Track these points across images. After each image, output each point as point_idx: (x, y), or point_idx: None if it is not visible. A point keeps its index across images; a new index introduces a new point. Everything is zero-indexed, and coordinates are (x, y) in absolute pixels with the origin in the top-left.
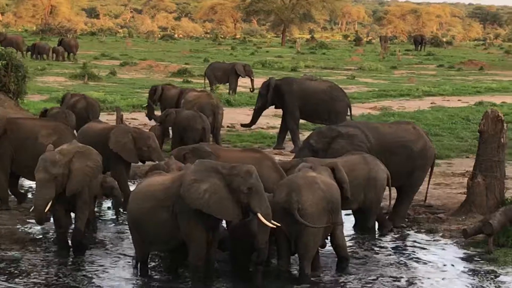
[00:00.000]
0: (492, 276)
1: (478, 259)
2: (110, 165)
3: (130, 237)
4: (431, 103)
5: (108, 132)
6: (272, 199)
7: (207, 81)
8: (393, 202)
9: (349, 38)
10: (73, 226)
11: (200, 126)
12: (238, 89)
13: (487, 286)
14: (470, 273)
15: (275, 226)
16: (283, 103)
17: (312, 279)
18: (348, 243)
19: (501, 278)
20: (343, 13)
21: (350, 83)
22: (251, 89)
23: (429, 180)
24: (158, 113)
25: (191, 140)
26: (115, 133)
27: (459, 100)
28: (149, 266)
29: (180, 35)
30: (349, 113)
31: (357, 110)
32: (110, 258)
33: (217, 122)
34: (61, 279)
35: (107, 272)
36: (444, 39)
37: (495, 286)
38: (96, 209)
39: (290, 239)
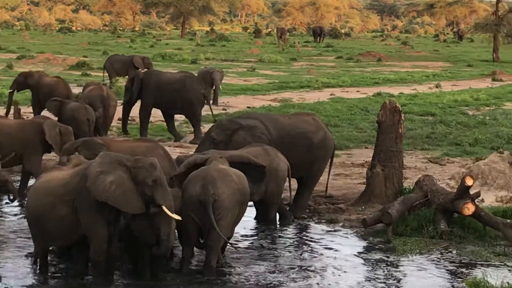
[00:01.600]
0: (392, 265)
1: (378, 248)
2: (23, 158)
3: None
4: (331, 95)
5: (19, 126)
6: (185, 191)
7: (106, 74)
8: (293, 193)
9: (248, 30)
10: None
11: (84, 118)
12: None
13: (387, 275)
14: (369, 262)
15: (179, 218)
16: (142, 95)
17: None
18: (250, 235)
19: (400, 267)
20: (243, 5)
21: (250, 75)
22: None
23: (329, 171)
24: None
25: (81, 132)
26: (49, 127)
27: (357, 91)
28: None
29: (79, 28)
30: (207, 102)
31: (258, 102)
32: (9, 252)
33: (107, 114)
34: None
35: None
36: (343, 31)
37: (395, 275)
38: None
39: (203, 230)
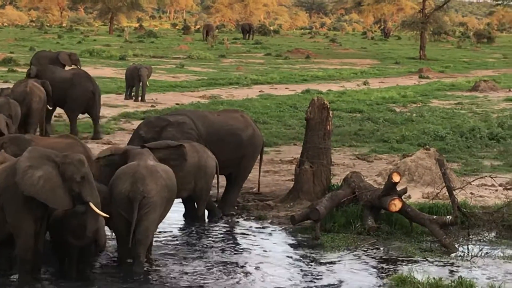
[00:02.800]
0: (320, 262)
1: (306, 244)
2: None
3: None
4: (259, 91)
5: None
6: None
7: None
8: (222, 190)
9: (177, 27)
10: None
11: (7, 113)
12: None
13: (315, 271)
14: (298, 259)
15: (107, 216)
16: None
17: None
18: (179, 232)
19: (329, 263)
20: (171, 1)
21: (179, 72)
22: None
23: (259, 168)
24: None
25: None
26: None
27: (286, 88)
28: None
29: (5, 23)
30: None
31: (186, 98)
32: None
33: (30, 110)
34: None
35: None
36: (272, 28)
37: (323, 271)
38: None
39: (132, 226)
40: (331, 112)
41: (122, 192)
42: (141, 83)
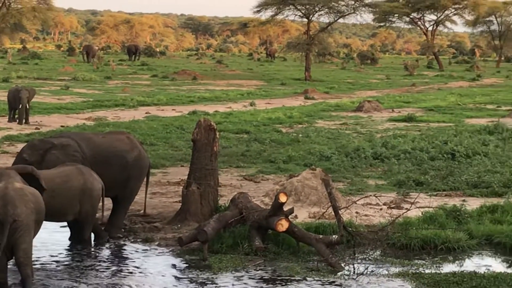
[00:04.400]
0: (208, 283)
1: (194, 266)
2: None
3: None
4: (146, 113)
5: None
6: None
7: None
8: (108, 212)
9: (62, 48)
10: None
11: None
12: None
13: None
14: (186, 280)
15: None
16: None
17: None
18: (65, 256)
19: (217, 284)
20: (56, 23)
21: (64, 94)
22: None
23: (146, 190)
24: None
25: None
26: None
27: (173, 109)
28: None
29: None
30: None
31: (72, 121)
32: None
33: None
34: None
35: None
36: (158, 49)
37: None
38: None
39: (6, 250)
40: (218, 133)
41: None
42: (21, 105)
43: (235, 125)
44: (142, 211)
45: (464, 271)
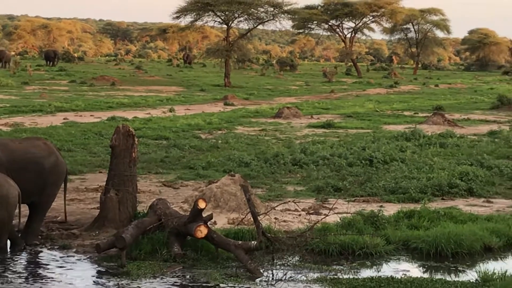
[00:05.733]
0: None
1: (112, 273)
2: None
3: None
4: (64, 119)
5: None
6: None
7: None
8: (25, 219)
9: None
10: None
11: None
12: None
13: None
14: (103, 287)
15: None
16: None
17: None
18: None
19: None
20: None
21: None
22: None
23: (64, 196)
24: None
25: None
26: None
27: (91, 115)
28: None
29: None
30: None
31: None
32: None
33: None
34: None
35: None
36: (76, 55)
37: None
38: None
39: None
40: (136, 139)
41: None
42: None
43: (154, 131)
44: (59, 218)
45: (382, 276)
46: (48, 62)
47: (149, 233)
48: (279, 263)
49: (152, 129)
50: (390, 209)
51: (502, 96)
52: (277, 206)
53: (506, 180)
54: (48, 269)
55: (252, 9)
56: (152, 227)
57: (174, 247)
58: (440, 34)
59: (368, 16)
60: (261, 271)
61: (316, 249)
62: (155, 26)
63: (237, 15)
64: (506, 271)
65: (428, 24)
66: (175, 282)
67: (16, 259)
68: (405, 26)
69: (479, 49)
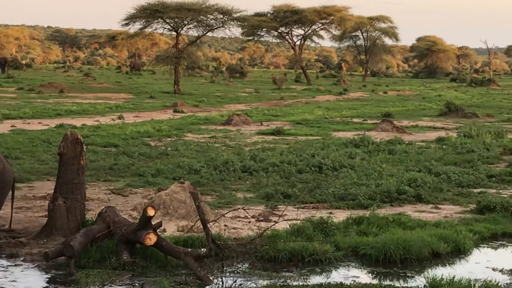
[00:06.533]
0: None
1: (60, 281)
2: None
3: None
4: (11, 126)
5: None
6: None
7: None
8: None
9: None
10: None
11: None
12: None
13: None
14: None
15: None
16: None
17: None
18: None
19: None
20: None
21: None
22: None
23: (12, 204)
24: None
25: None
26: None
27: (39, 123)
28: None
29: None
30: None
31: None
32: None
33: None
34: None
35: None
36: (24, 62)
37: None
38: None
39: None
40: (85, 146)
41: None
42: None
43: (103, 138)
44: (7, 226)
45: (331, 283)
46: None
47: (98, 241)
48: (228, 270)
49: (101, 136)
50: (340, 216)
51: (450, 103)
52: (226, 213)
53: (453, 186)
54: None
55: (201, 16)
56: (101, 235)
57: (123, 255)
58: (388, 41)
59: (317, 23)
60: (211, 278)
61: (266, 256)
62: (104, 33)
63: (186, 22)
64: (454, 277)
65: (376, 32)
66: None
67: None
68: (354, 34)
69: (427, 56)
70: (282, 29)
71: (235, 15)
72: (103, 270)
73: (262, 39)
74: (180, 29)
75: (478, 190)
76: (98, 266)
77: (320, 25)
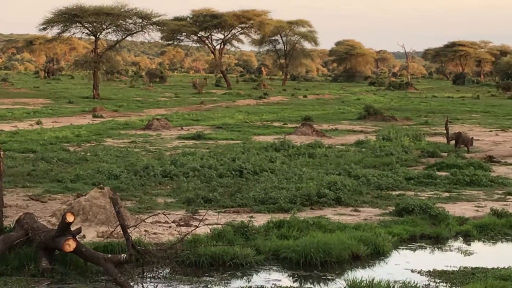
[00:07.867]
0: None
1: None
2: None
3: None
4: None
5: None
6: None
7: None
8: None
9: None
10: None
11: None
12: None
13: None
14: None
15: None
16: None
17: None
18: None
19: None
20: None
21: None
22: None
23: None
24: None
25: None
26: None
27: None
28: None
29: None
30: None
31: None
32: None
33: None
34: None
35: None
36: None
37: None
38: None
39: None
40: (2, 152)
41: None
42: None
43: (21, 144)
44: None
45: (252, 287)
46: None
47: (16, 248)
48: (149, 275)
49: (18, 142)
50: (260, 220)
51: (369, 106)
52: (147, 218)
53: (373, 189)
54: None
55: (120, 21)
56: (19, 242)
57: (42, 262)
58: (308, 45)
59: (237, 27)
60: (131, 284)
61: (187, 261)
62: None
63: (105, 27)
64: (373, 279)
65: (296, 36)
66: None
67: None
68: (273, 38)
69: (346, 60)
70: (202, 33)
71: (154, 20)
72: (21, 277)
73: (182, 43)
74: (98, 34)
75: (397, 193)
76: (17, 274)
77: (239, 29)
